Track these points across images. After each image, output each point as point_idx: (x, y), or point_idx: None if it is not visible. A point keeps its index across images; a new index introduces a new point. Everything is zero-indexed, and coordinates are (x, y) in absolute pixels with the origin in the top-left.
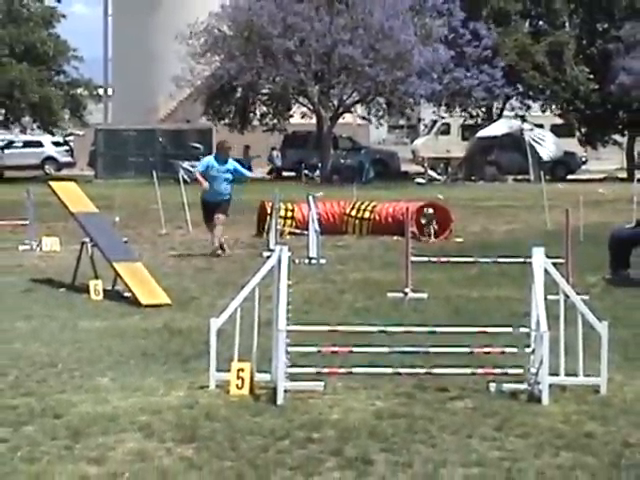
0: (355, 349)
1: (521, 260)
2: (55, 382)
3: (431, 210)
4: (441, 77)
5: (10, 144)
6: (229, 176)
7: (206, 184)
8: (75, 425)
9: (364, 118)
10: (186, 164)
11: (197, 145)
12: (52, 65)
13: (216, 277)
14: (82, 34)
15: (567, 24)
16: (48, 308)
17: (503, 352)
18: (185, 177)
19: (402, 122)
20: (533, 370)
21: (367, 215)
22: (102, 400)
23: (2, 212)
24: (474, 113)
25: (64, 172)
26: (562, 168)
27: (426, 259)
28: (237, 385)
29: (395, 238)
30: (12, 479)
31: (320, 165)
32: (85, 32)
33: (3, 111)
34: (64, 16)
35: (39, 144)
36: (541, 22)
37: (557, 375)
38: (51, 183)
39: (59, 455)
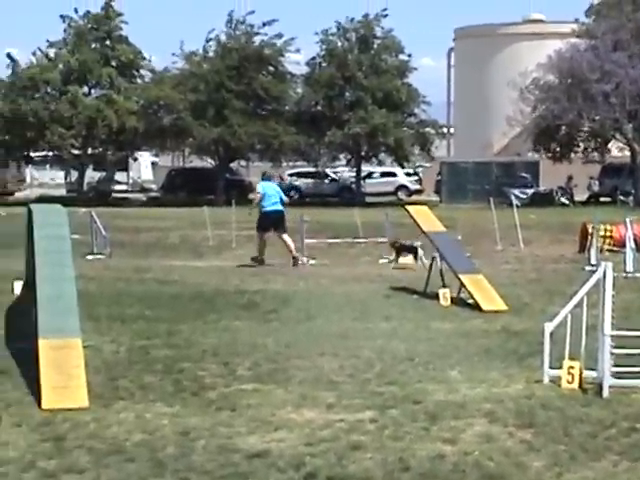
0: None
1: None
2: (413, 373)
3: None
4: None
5: (370, 175)
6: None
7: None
8: (431, 410)
9: None
10: (516, 191)
11: (525, 175)
12: (405, 109)
13: (545, 287)
14: (429, 83)
15: None
16: (404, 311)
17: None
18: (516, 202)
19: None
20: None
21: None
22: (452, 390)
23: (365, 231)
24: None
25: (414, 198)
26: None
27: None
28: (568, 380)
29: None
30: (382, 453)
31: (633, 191)
32: (432, 81)
33: (365, 148)
34: (415, 69)
35: (393, 175)
36: None
37: None
38: (407, 207)
39: (419, 435)
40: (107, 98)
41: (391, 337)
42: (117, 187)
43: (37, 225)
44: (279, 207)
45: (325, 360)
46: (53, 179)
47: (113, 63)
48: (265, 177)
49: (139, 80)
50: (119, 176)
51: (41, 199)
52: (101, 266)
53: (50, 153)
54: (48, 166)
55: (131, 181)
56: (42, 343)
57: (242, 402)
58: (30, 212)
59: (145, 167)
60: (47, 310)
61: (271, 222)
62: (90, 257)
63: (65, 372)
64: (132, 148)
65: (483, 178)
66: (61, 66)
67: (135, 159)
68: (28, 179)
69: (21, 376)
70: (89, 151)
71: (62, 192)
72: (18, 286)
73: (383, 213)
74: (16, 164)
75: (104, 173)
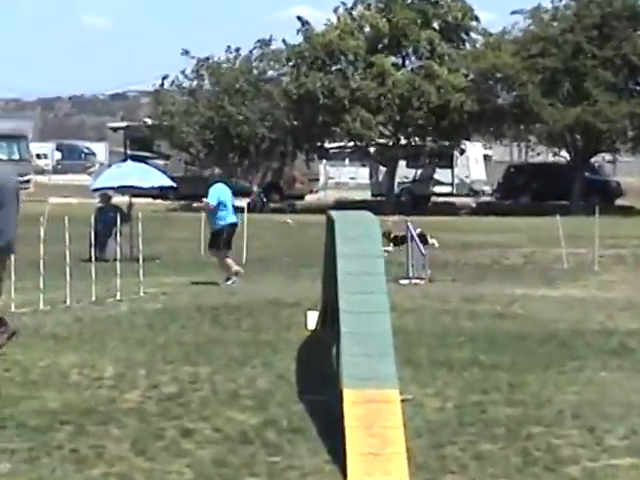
0: None
1: None
2: None
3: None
4: None
5: None
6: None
7: None
8: None
9: None
10: None
11: None
12: None
13: None
14: None
15: None
16: None
17: None
18: None
19: None
20: None
21: None
22: None
23: None
24: None
25: None
26: None
27: None
28: None
29: None
30: None
31: None
32: None
33: None
34: None
35: None
36: None
37: None
38: None
39: None
40: (426, 70)
41: None
42: (438, 189)
43: (340, 239)
44: (235, 219)
45: None
46: (354, 178)
47: (435, 24)
48: (218, 179)
49: (468, 46)
50: (440, 174)
51: (339, 204)
52: (419, 293)
53: (350, 144)
54: (347, 161)
55: (457, 181)
56: (347, 394)
57: None
58: (331, 222)
59: (475, 162)
60: (353, 352)
61: (228, 238)
62: (405, 281)
63: (378, 434)
64: (458, 137)
65: None
66: (367, 29)
67: (462, 152)
68: (322, 178)
69: (319, 437)
70: (401, 141)
71: (366, 195)
72: (312, 318)
73: None
74: (306, 158)
75: (421, 170)
